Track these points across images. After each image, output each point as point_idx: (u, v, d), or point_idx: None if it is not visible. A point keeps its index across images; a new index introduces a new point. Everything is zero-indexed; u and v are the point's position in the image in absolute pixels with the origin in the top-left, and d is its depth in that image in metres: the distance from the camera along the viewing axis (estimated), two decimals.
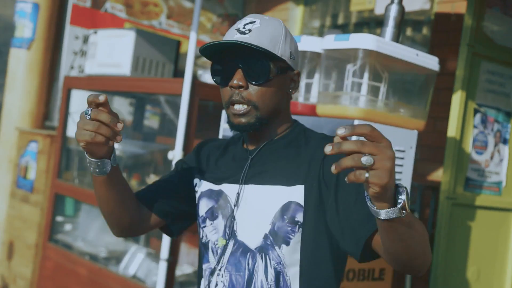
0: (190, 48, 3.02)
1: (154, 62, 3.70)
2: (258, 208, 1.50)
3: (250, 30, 1.46)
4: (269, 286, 1.48)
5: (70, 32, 4.71)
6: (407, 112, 2.49)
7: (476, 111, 3.44)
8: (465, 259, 3.41)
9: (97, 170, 1.40)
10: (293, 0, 5.08)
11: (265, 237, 1.48)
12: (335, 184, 1.42)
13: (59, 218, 4.15)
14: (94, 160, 1.38)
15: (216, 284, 1.54)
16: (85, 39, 4.63)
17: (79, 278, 3.61)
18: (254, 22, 1.48)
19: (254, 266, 1.49)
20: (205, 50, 1.50)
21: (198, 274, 1.66)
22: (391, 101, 2.47)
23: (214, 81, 1.55)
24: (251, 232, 1.50)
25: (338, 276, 1.53)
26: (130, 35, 3.64)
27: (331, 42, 2.38)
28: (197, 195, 1.64)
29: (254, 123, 1.50)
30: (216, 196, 1.58)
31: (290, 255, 1.47)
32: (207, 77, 3.71)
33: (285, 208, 1.47)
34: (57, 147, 4.10)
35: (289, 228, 1.46)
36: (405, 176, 2.44)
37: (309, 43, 2.49)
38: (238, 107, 1.48)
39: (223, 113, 2.76)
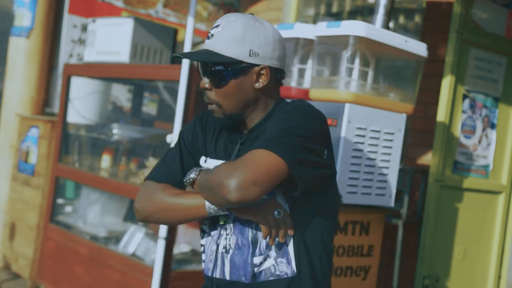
0: (188, 35, 3.12)
1: (152, 50, 3.80)
2: None
3: (213, 35, 1.63)
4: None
5: (69, 20, 4.79)
6: (396, 96, 2.61)
7: (465, 97, 3.55)
8: (452, 240, 3.54)
9: (214, 213, 1.61)
10: None
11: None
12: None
13: (60, 201, 4.26)
14: (224, 213, 1.61)
15: (225, 247, 1.68)
16: (83, 28, 4.72)
17: (80, 257, 3.73)
18: (218, 26, 1.64)
19: (257, 229, 1.63)
20: (179, 58, 1.69)
21: (202, 246, 1.79)
22: (381, 86, 2.58)
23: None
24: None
25: (324, 227, 1.68)
26: (128, 23, 3.74)
27: (324, 29, 2.48)
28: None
29: (224, 118, 1.68)
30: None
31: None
32: None
33: None
34: (58, 132, 4.20)
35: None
36: (393, 158, 2.56)
37: (302, 30, 2.59)
38: (209, 106, 1.69)
39: None
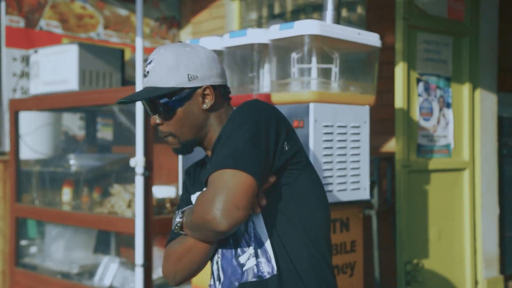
0: (138, 54, 3.05)
1: (101, 74, 3.71)
2: None
3: (148, 72, 1.66)
4: (250, 237, 1.60)
5: (7, 54, 4.63)
6: (356, 89, 2.61)
7: (418, 80, 3.60)
8: (426, 222, 3.57)
9: None
10: None
11: None
12: None
13: (23, 242, 4.10)
14: None
15: (217, 262, 1.66)
16: (24, 60, 4.58)
17: None
18: (150, 62, 1.67)
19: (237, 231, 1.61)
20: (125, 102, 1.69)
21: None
22: (340, 81, 2.57)
23: None
24: None
25: (305, 222, 1.63)
26: (73, 49, 3.64)
27: (277, 31, 2.46)
28: None
29: (182, 148, 1.70)
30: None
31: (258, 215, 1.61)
32: None
33: None
34: (12, 171, 4.05)
35: None
36: (362, 150, 2.56)
37: (255, 36, 2.57)
38: (166, 140, 1.70)
39: None
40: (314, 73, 2.44)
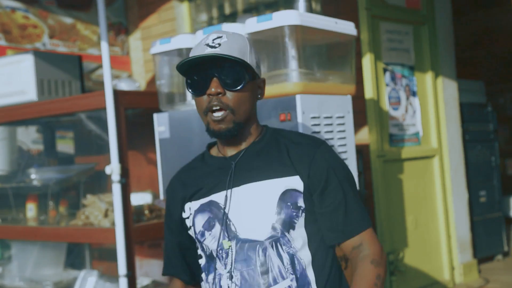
0: (105, 59, 2.94)
1: (60, 82, 3.55)
2: (257, 202, 1.58)
3: (219, 44, 1.58)
4: (286, 269, 1.55)
5: None
6: (336, 79, 2.58)
7: (385, 70, 3.61)
8: (403, 211, 3.59)
9: None
10: None
11: (273, 226, 1.56)
12: (323, 184, 1.60)
13: None
14: None
15: (228, 287, 1.56)
16: None
17: None
18: (221, 37, 1.60)
19: (266, 255, 1.54)
20: (182, 66, 1.58)
21: None
22: (321, 71, 2.54)
23: (190, 92, 1.63)
24: (256, 225, 1.57)
25: (335, 257, 1.66)
26: (28, 59, 3.48)
27: (254, 24, 2.40)
28: (191, 216, 1.68)
29: (232, 128, 1.60)
30: (209, 207, 1.64)
31: (298, 239, 1.57)
32: (123, 86, 3.62)
33: (285, 196, 1.58)
34: None
35: (294, 213, 1.57)
36: (349, 141, 2.53)
37: (232, 31, 2.50)
38: (217, 114, 1.58)
39: (155, 117, 2.71)
40: (295, 64, 2.39)
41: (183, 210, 1.70)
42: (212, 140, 1.74)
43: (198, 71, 1.59)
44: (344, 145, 2.51)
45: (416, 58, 3.86)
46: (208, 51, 1.57)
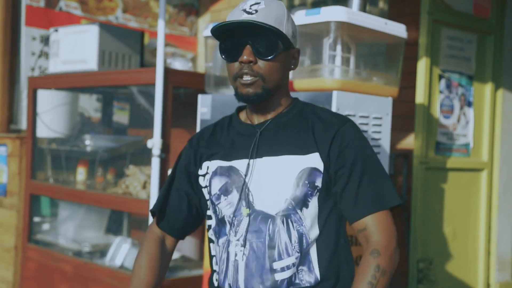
0: (160, 37, 3.03)
1: (120, 55, 3.69)
2: (275, 177, 1.59)
3: (256, 11, 1.57)
4: (293, 247, 1.56)
5: (26, 33, 4.63)
6: (380, 80, 2.57)
7: (440, 77, 3.55)
8: (441, 220, 3.53)
9: None
10: None
11: (286, 201, 1.57)
12: (341, 161, 1.58)
13: (36, 219, 4.11)
14: None
15: (236, 254, 1.59)
16: (42, 39, 4.57)
17: (64, 274, 3.60)
18: (259, 3, 1.59)
19: (275, 230, 1.56)
20: (216, 30, 1.59)
21: (210, 254, 1.71)
22: (364, 71, 2.54)
23: (223, 57, 1.64)
24: (271, 199, 1.58)
25: (343, 237, 1.64)
26: (93, 29, 3.62)
27: (303, 17, 2.43)
28: (208, 176, 1.69)
29: (261, 93, 1.59)
30: (228, 172, 1.65)
31: (310, 218, 1.58)
32: (176, 65, 3.72)
33: (304, 173, 1.57)
34: (28, 148, 4.05)
35: (309, 192, 1.57)
36: (383, 142, 2.52)
37: None
38: (246, 78, 1.58)
39: (200, 98, 2.78)
40: (338, 60, 2.40)
41: (200, 167, 1.72)
42: (242, 104, 1.74)
43: (232, 36, 1.59)
44: (378, 146, 2.51)
45: (477, 68, 3.76)
46: (245, 17, 1.56)
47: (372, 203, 1.54)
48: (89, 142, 3.95)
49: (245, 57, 1.57)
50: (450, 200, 3.57)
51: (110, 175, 3.83)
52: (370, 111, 2.46)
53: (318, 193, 1.58)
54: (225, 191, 1.63)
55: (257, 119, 1.68)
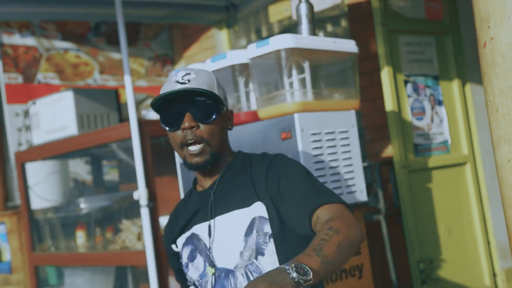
0: (128, 91, 3.15)
1: (98, 115, 3.81)
2: (229, 233, 1.70)
3: (189, 80, 1.68)
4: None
5: (9, 110, 4.77)
6: (341, 95, 2.68)
7: (406, 82, 3.66)
8: (434, 220, 3.60)
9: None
10: (215, 27, 5.27)
11: (241, 254, 1.67)
12: (277, 187, 1.65)
13: None
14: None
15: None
16: (26, 114, 4.70)
17: None
18: (189, 73, 1.71)
19: (237, 284, 1.65)
20: (156, 103, 1.69)
21: None
22: (324, 89, 2.64)
23: (165, 128, 1.74)
24: (228, 254, 1.68)
25: None
26: (68, 96, 3.75)
27: (254, 50, 2.55)
28: (180, 250, 1.83)
29: (209, 159, 1.71)
30: (191, 240, 1.78)
31: (269, 265, 1.64)
32: (152, 115, 3.84)
33: (252, 224, 1.67)
34: (25, 222, 4.14)
35: (261, 240, 1.66)
36: (354, 154, 2.61)
37: (235, 57, 2.65)
38: (193, 148, 1.69)
39: None
40: (296, 84, 2.51)
41: (176, 245, 1.84)
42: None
43: (170, 107, 1.69)
44: (349, 158, 2.60)
45: (440, 67, 3.88)
46: (179, 87, 1.66)
47: (319, 198, 1.54)
48: (83, 205, 4.04)
49: (186, 123, 1.67)
50: (439, 199, 3.64)
51: (109, 232, 3.90)
52: (335, 126, 2.55)
53: (272, 239, 1.65)
54: (191, 258, 1.75)
55: (206, 183, 1.79)
